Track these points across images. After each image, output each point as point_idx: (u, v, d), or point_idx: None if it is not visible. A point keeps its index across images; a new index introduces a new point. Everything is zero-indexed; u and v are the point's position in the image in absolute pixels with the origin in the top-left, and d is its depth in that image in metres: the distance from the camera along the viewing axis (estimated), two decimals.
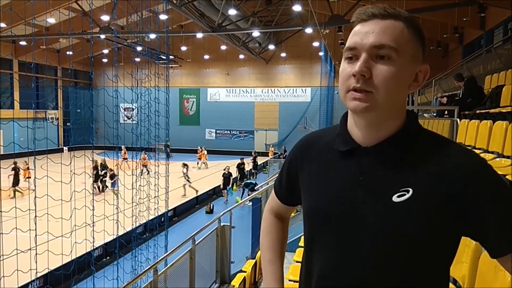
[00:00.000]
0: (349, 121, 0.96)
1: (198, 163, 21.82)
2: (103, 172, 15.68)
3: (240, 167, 17.80)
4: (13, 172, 13.82)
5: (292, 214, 8.22)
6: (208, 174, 20.47)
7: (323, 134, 1.06)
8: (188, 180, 15.26)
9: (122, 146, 17.39)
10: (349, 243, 0.89)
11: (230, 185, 16.00)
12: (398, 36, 0.84)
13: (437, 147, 0.88)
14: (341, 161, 0.95)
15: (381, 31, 0.84)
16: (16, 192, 13.47)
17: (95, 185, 14.29)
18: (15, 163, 13.55)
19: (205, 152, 23.67)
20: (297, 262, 4.80)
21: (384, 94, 0.84)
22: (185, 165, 15.37)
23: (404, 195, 0.85)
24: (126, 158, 18.02)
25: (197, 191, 15.20)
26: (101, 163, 15.57)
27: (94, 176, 13.98)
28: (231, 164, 17.18)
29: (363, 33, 0.85)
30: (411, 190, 0.85)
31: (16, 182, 14.01)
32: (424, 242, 0.84)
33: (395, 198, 0.85)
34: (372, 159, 0.90)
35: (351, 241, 0.89)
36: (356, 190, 0.90)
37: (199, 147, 24.47)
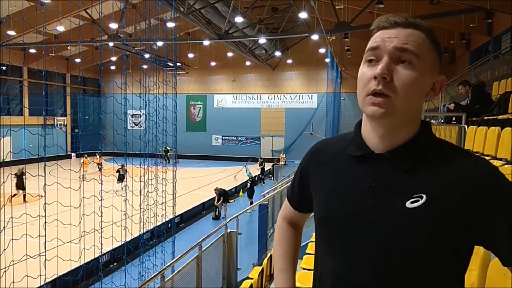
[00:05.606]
0: (363, 127, 0.96)
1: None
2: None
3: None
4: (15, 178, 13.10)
5: None
6: (215, 180, 20.48)
7: (335, 140, 1.07)
8: None
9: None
10: (360, 250, 0.89)
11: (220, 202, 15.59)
12: (420, 44, 0.86)
13: (451, 155, 0.89)
14: (354, 167, 0.95)
15: (404, 36, 0.86)
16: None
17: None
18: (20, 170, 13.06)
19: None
20: (304, 269, 4.77)
21: (402, 99, 0.85)
22: None
23: (417, 201, 0.85)
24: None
25: None
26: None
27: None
28: (235, 171, 17.03)
29: (386, 37, 0.87)
30: (424, 197, 0.84)
31: (21, 186, 13.51)
32: (436, 248, 0.84)
33: (408, 204, 0.85)
34: (386, 165, 0.90)
35: (362, 248, 0.88)
36: (368, 196, 0.90)
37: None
